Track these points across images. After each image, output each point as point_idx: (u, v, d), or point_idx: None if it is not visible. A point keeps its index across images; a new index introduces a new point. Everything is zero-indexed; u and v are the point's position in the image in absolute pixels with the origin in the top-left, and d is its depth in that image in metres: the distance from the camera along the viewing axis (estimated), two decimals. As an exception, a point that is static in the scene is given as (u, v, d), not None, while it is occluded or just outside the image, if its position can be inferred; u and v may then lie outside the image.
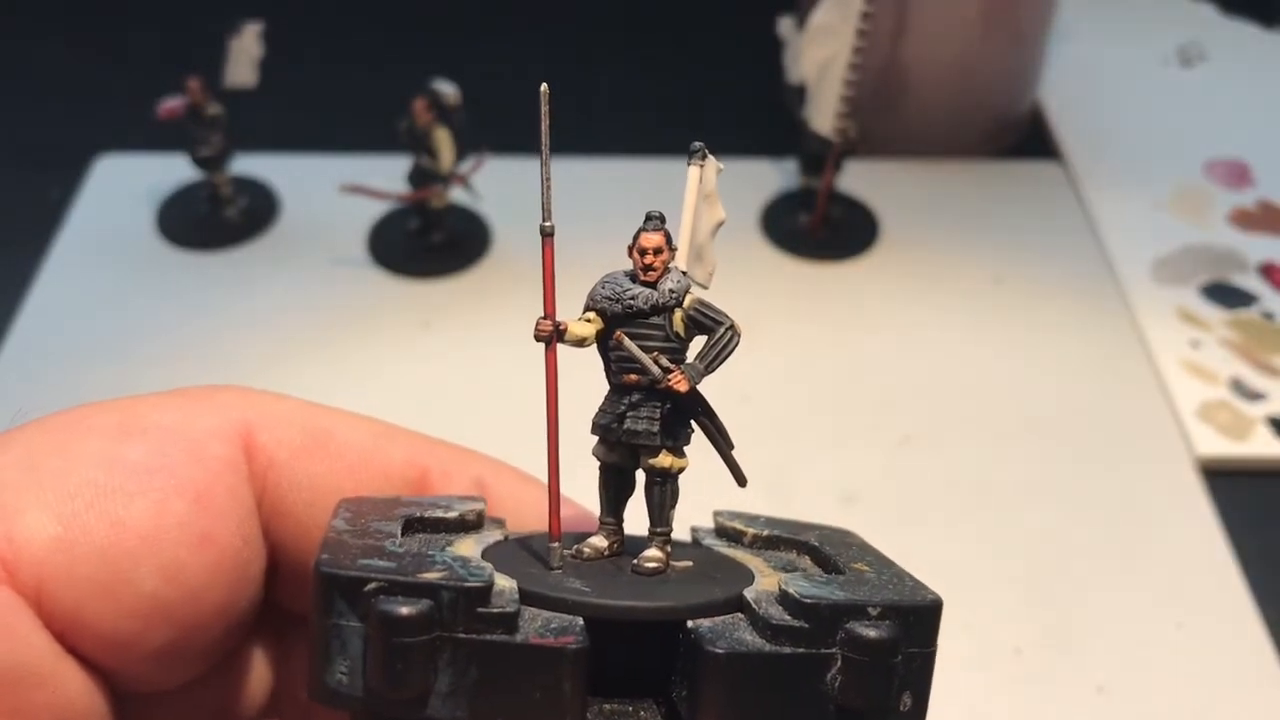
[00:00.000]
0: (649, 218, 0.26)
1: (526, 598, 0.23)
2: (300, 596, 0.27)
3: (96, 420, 0.26)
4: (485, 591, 0.23)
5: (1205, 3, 1.04)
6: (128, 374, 0.68)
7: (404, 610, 0.22)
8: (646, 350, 0.26)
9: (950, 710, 0.54)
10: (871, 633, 0.23)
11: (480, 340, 0.71)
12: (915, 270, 0.77)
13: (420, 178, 0.74)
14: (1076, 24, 0.97)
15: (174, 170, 0.79)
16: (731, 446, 0.28)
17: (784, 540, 0.28)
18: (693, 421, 0.27)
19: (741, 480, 0.28)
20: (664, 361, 0.26)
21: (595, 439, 0.27)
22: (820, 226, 0.79)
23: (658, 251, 0.26)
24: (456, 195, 0.75)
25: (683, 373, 0.26)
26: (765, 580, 0.26)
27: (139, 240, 0.77)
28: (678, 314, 0.26)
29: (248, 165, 0.80)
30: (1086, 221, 0.81)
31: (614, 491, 0.27)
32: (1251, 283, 0.77)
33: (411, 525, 0.26)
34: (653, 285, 0.26)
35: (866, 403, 0.68)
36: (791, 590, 0.23)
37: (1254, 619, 0.58)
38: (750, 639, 0.23)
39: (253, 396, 0.28)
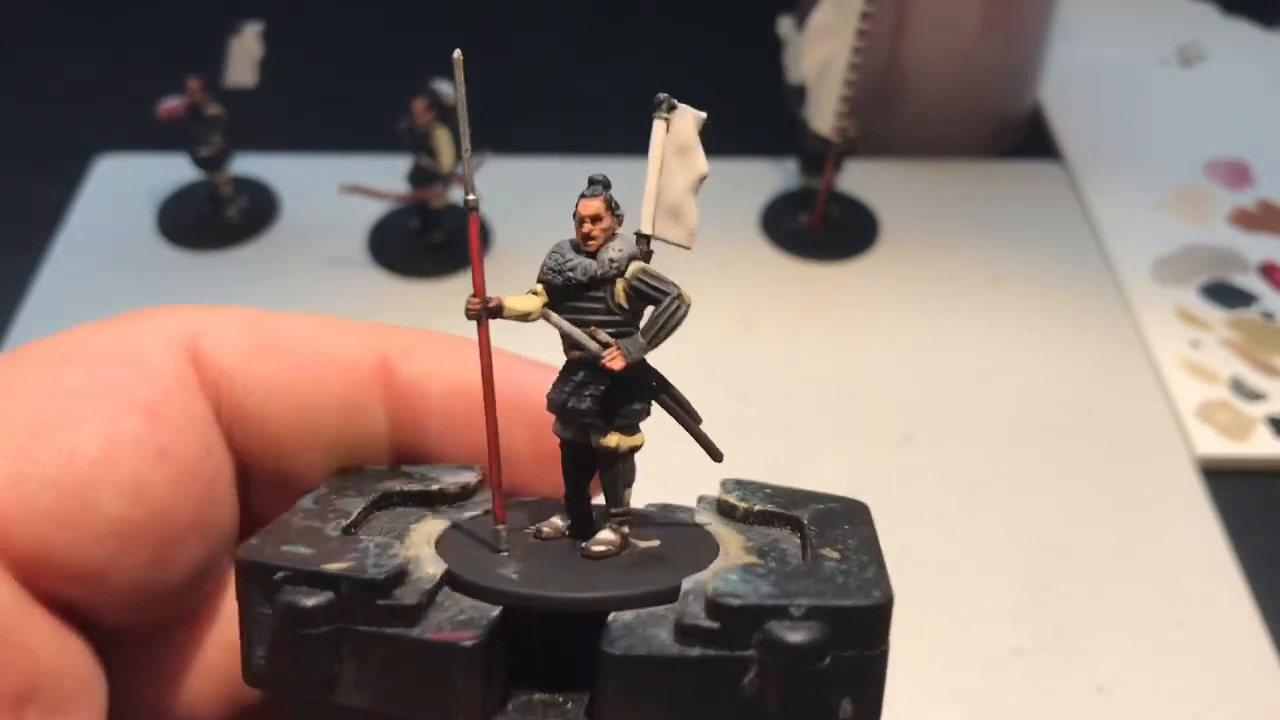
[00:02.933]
0: (590, 182, 0.25)
1: (457, 584, 0.23)
2: (276, 505, 0.26)
3: (31, 355, 0.25)
4: (387, 584, 0.22)
5: (1205, 3, 1.04)
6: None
7: (305, 601, 0.22)
8: (588, 325, 0.25)
9: (950, 710, 0.54)
10: (790, 635, 0.21)
11: (480, 340, 0.71)
12: (915, 270, 0.77)
13: (420, 178, 0.74)
14: (1076, 24, 0.97)
15: (174, 170, 0.79)
16: (698, 420, 0.27)
17: (777, 516, 0.27)
18: (648, 396, 0.26)
19: (715, 455, 0.27)
20: (602, 336, 0.25)
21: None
22: (820, 226, 0.79)
23: (595, 219, 0.25)
24: (456, 195, 0.75)
25: (619, 349, 0.24)
26: (723, 564, 0.25)
27: (139, 240, 0.77)
28: (619, 285, 0.25)
29: (248, 165, 0.80)
30: (1086, 221, 0.81)
31: (574, 468, 0.26)
32: (1251, 283, 0.77)
33: (388, 500, 0.26)
34: (592, 255, 0.25)
35: (866, 403, 0.68)
36: (710, 587, 0.22)
37: (1254, 619, 0.58)
38: (661, 638, 0.22)
39: (191, 309, 0.27)
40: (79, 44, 0.96)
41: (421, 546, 0.25)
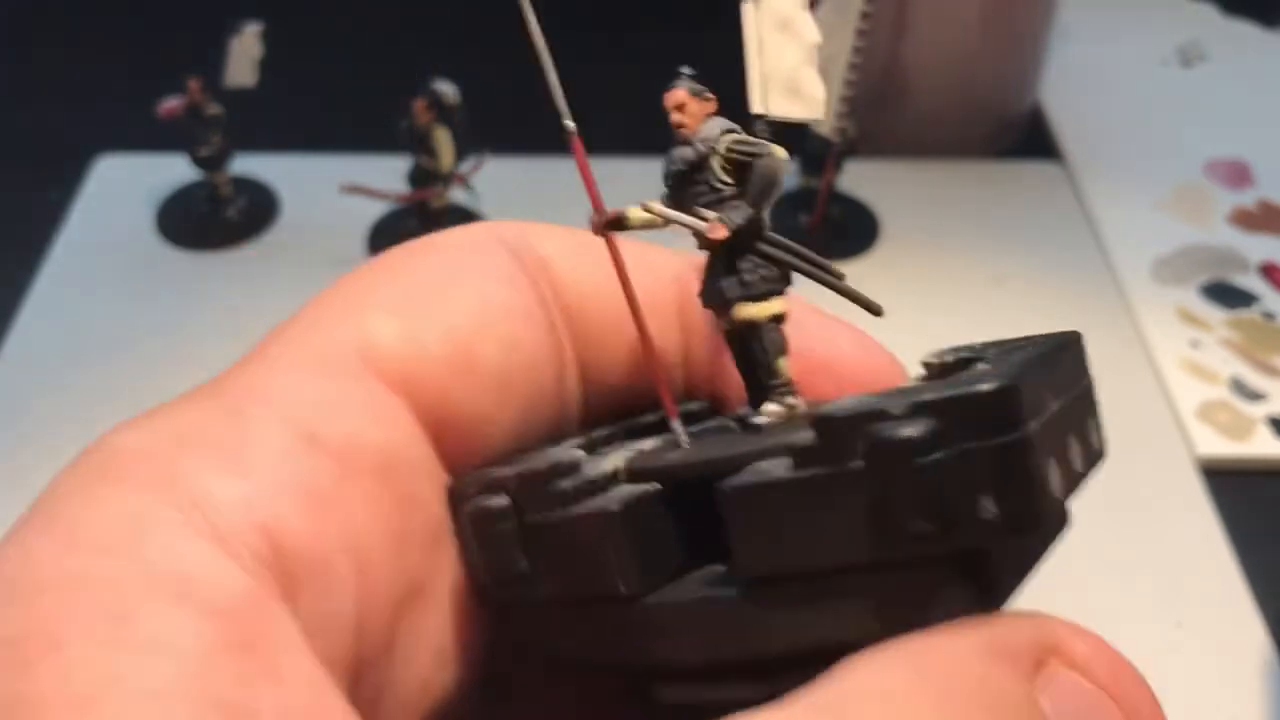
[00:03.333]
0: (675, 76, 0.25)
1: (633, 475, 0.24)
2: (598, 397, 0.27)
3: (390, 252, 0.27)
4: (550, 472, 0.23)
5: (1205, 3, 1.04)
6: (127, 373, 0.68)
7: (486, 504, 0.23)
8: (699, 208, 0.24)
9: (950, 710, 0.54)
10: (888, 432, 0.19)
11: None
12: (915, 270, 0.77)
13: (420, 178, 0.74)
14: (1076, 24, 0.97)
15: (174, 170, 0.79)
16: (840, 276, 0.25)
17: (965, 360, 0.24)
18: (773, 260, 0.25)
19: (873, 309, 0.25)
20: (706, 214, 0.24)
21: None
22: (820, 226, 0.79)
23: (678, 107, 0.25)
24: (456, 195, 0.75)
25: (718, 218, 0.24)
26: None
27: (138, 240, 0.77)
28: (715, 161, 0.24)
29: (248, 165, 0.80)
30: (1086, 221, 0.81)
31: (740, 356, 0.25)
32: (1251, 283, 0.77)
33: (632, 432, 0.26)
34: (688, 143, 0.25)
35: (866, 403, 0.68)
36: (822, 408, 0.21)
37: (1254, 619, 0.58)
38: (772, 468, 0.21)
39: (519, 223, 0.29)
40: (79, 44, 0.96)
41: (614, 455, 0.25)
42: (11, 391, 0.67)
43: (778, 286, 0.25)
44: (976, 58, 0.82)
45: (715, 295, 0.25)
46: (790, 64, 0.25)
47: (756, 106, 0.26)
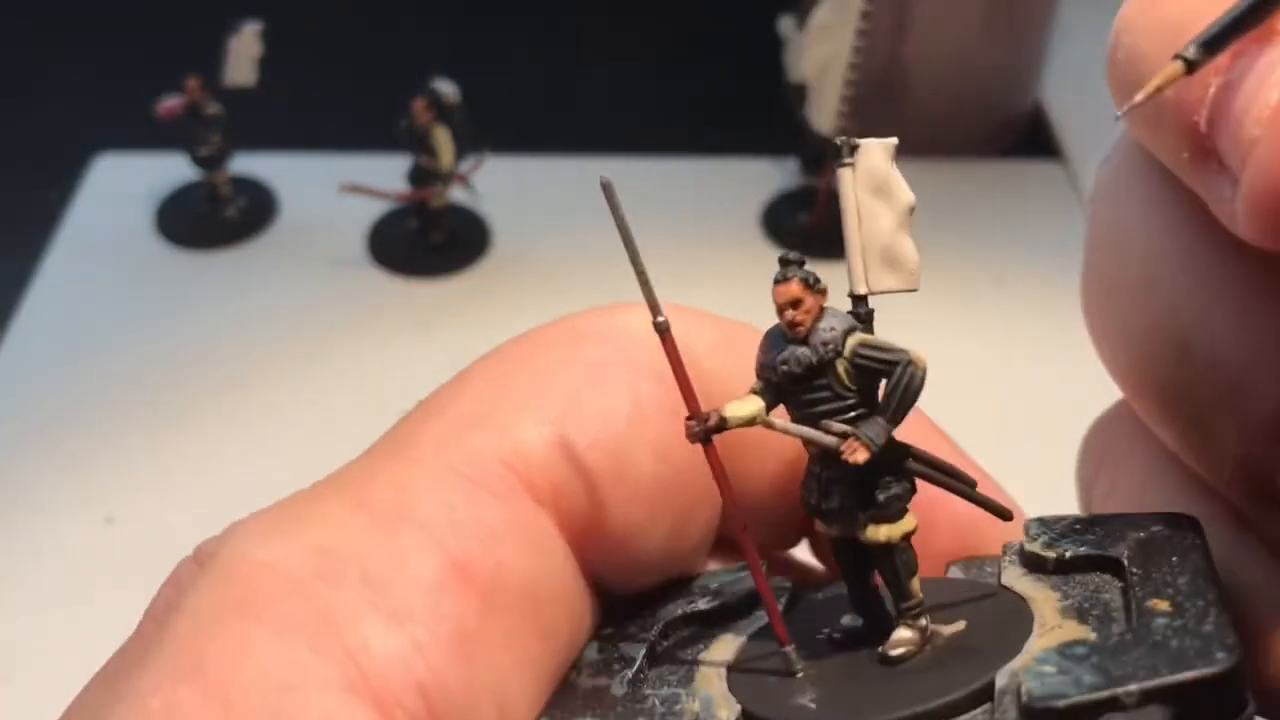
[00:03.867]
0: (781, 264, 0.23)
1: None
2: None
3: (545, 337, 0.26)
4: None
5: (1206, 2, 1.04)
6: (126, 373, 0.68)
7: None
8: (818, 415, 0.23)
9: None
10: None
11: (479, 340, 0.70)
12: (916, 270, 0.77)
13: (420, 177, 0.74)
14: (1077, 23, 0.97)
15: (173, 170, 0.79)
16: (972, 484, 0.24)
17: (1092, 559, 0.23)
18: (906, 476, 0.23)
19: (1004, 515, 0.24)
20: (837, 428, 0.22)
21: None
22: (820, 226, 0.78)
23: (795, 304, 0.22)
24: (456, 195, 0.75)
25: (858, 439, 0.22)
26: (1040, 643, 0.21)
27: (137, 240, 0.77)
28: (840, 366, 0.23)
29: (247, 165, 0.80)
30: (1087, 221, 0.81)
31: (850, 566, 0.24)
32: (1252, 283, 0.77)
33: (673, 627, 0.25)
34: (804, 341, 0.22)
35: (867, 403, 0.68)
36: (1025, 689, 0.19)
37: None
38: None
39: (670, 306, 0.27)
40: (78, 43, 0.96)
41: (712, 683, 0.23)
42: (10, 390, 0.67)
43: (905, 502, 0.23)
44: (977, 57, 0.81)
45: (842, 515, 0.23)
46: (886, 231, 0.24)
47: (859, 286, 0.24)
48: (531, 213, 0.79)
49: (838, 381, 0.23)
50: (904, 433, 0.23)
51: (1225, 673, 0.18)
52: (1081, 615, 0.22)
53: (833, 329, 0.23)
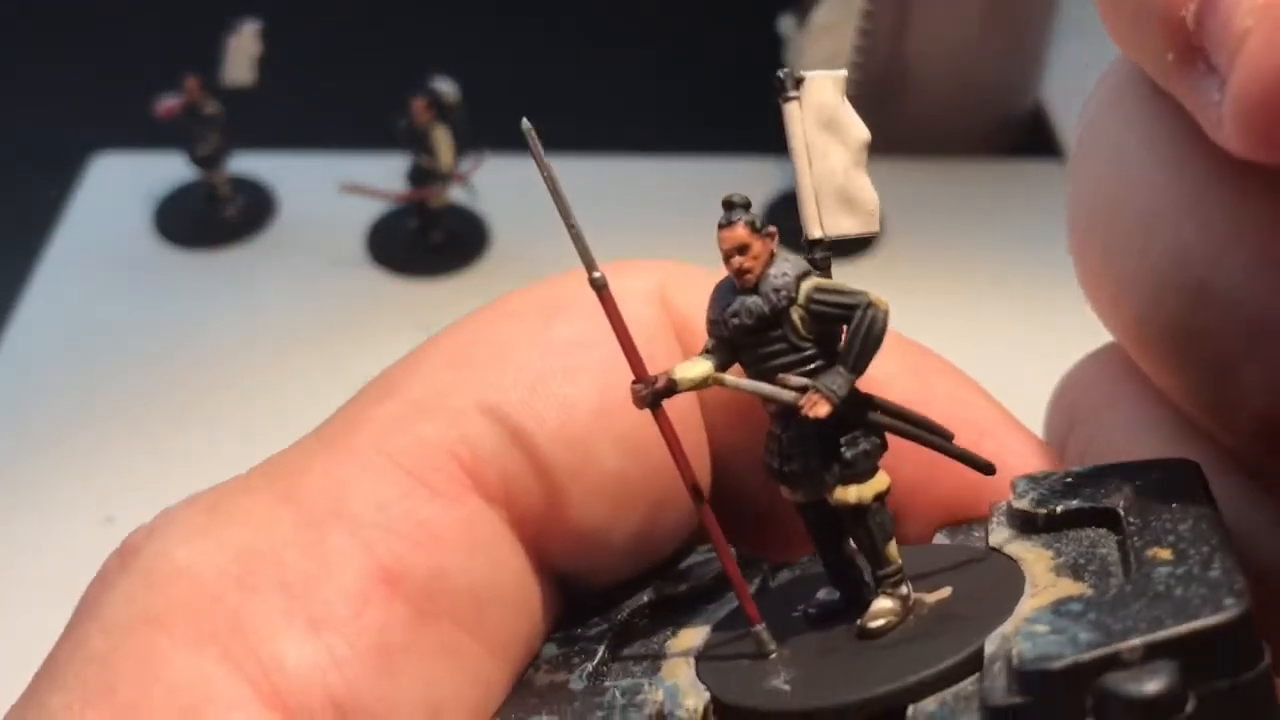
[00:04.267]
0: (726, 206, 0.21)
1: (725, 713, 0.21)
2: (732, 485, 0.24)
3: (517, 307, 0.24)
4: None
5: (1206, 2, 1.04)
6: (125, 372, 0.68)
7: None
8: (775, 370, 0.21)
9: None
10: (1135, 689, 0.16)
11: (479, 340, 0.71)
12: (916, 270, 0.77)
13: (420, 177, 0.74)
14: (1077, 23, 0.97)
15: (171, 169, 0.79)
16: (948, 436, 0.22)
17: (1085, 512, 0.22)
18: (875, 429, 0.21)
19: (985, 469, 0.22)
20: (794, 381, 0.20)
21: None
22: (820, 226, 0.78)
23: (742, 249, 0.21)
24: (456, 195, 0.75)
25: (818, 391, 0.20)
26: (1032, 604, 0.20)
27: (136, 239, 0.77)
28: (795, 314, 0.21)
29: (246, 164, 0.80)
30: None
31: (819, 531, 0.22)
32: (1253, 282, 0.77)
33: (637, 616, 0.24)
34: (754, 290, 0.21)
35: (867, 403, 0.68)
36: (1016, 651, 0.18)
37: (1256, 620, 0.58)
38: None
39: (662, 263, 0.25)
40: (77, 43, 0.95)
41: (680, 672, 0.22)
42: (9, 389, 0.67)
43: (876, 459, 0.21)
44: (978, 55, 0.81)
45: (808, 479, 0.21)
46: (839, 170, 0.22)
47: (814, 230, 0.22)
48: (531, 213, 0.79)
49: (793, 331, 0.21)
50: (943, 391, 0.22)
51: (1235, 620, 0.17)
52: (1077, 572, 0.20)
53: (785, 275, 0.21)
